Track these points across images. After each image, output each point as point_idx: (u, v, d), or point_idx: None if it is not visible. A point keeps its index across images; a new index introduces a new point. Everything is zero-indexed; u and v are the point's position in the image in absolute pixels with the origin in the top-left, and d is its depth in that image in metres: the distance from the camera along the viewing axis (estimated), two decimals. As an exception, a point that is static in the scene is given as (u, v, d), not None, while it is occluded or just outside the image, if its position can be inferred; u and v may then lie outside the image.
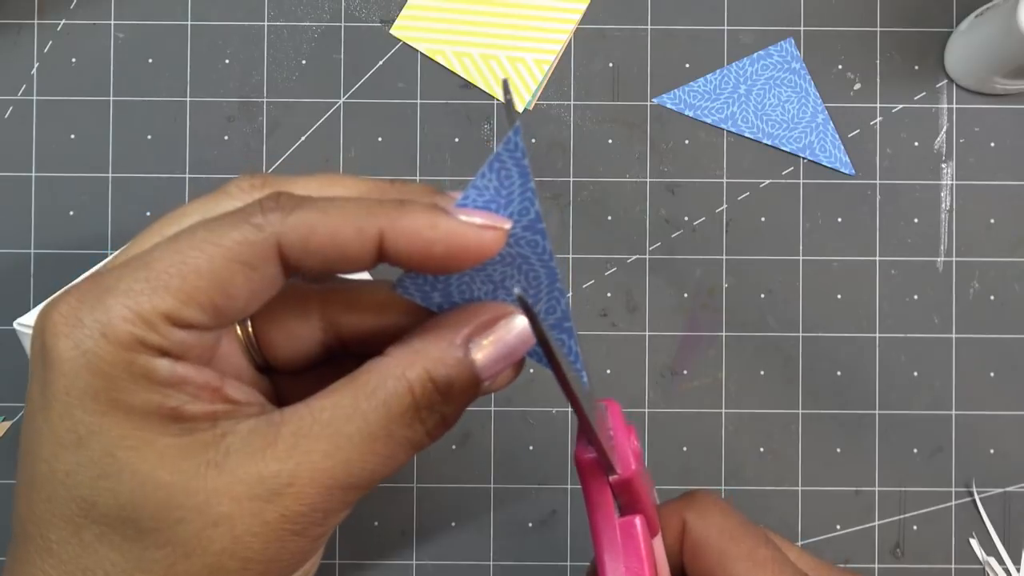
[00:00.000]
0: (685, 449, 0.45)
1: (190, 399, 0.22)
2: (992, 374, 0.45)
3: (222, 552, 0.22)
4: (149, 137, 0.46)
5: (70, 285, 0.23)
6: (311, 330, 0.26)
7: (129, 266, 0.22)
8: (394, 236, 0.22)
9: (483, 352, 0.24)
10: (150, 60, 0.46)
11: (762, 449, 0.45)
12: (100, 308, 0.21)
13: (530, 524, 0.45)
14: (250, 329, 0.26)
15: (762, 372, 0.46)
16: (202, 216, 0.24)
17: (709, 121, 0.46)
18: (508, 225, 0.23)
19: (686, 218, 0.46)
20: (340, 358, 0.26)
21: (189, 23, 0.46)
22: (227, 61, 0.46)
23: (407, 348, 0.24)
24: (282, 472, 0.22)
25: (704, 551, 0.29)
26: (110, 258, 0.39)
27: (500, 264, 0.24)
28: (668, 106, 0.46)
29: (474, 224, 0.22)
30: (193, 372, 0.22)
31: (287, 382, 0.27)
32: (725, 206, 0.46)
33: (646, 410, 0.46)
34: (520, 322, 0.24)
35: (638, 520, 0.27)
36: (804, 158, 0.46)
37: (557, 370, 0.22)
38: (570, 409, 0.44)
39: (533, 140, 0.46)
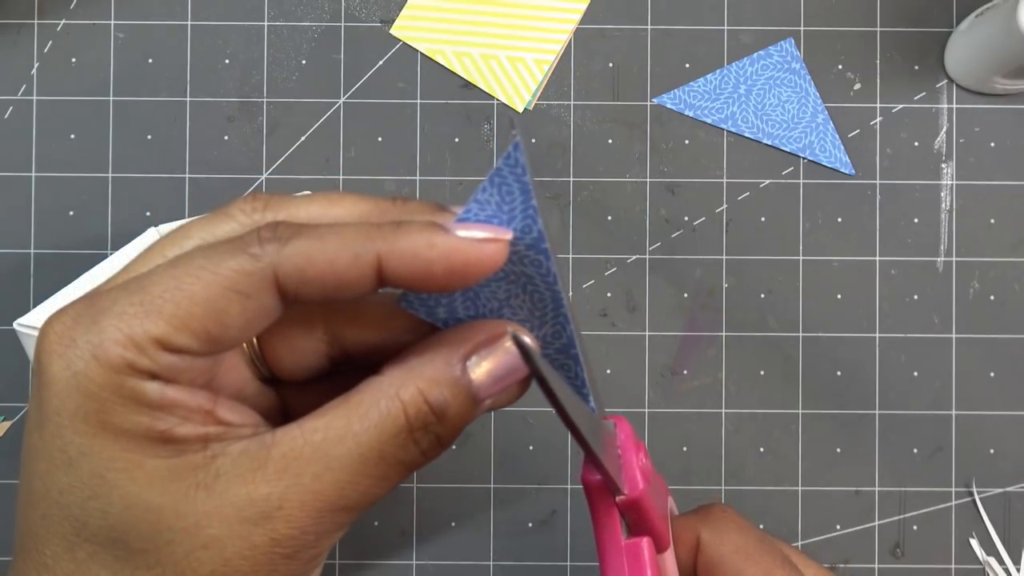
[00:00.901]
0: (685, 449, 0.45)
1: (180, 421, 0.22)
2: (992, 374, 0.45)
3: (212, 574, 0.22)
4: (149, 137, 0.46)
5: (72, 300, 0.23)
6: (315, 343, 0.26)
7: (126, 288, 0.22)
8: (392, 260, 0.22)
9: (481, 372, 0.23)
10: (150, 60, 0.46)
11: (762, 449, 0.45)
12: (94, 329, 0.21)
13: (530, 524, 0.45)
14: (255, 342, 0.26)
15: (762, 372, 0.46)
16: (203, 239, 0.23)
17: (709, 121, 0.46)
18: (509, 236, 0.22)
19: (686, 218, 0.46)
20: (347, 369, 0.26)
21: (189, 23, 0.46)
22: (227, 61, 0.46)
23: (403, 367, 0.23)
24: (272, 495, 0.22)
25: (719, 570, 0.29)
26: (112, 259, 0.39)
27: (505, 282, 0.23)
28: (668, 106, 0.46)
29: (474, 239, 0.22)
30: (184, 395, 0.22)
31: (293, 394, 0.27)
32: (725, 206, 0.46)
33: (646, 410, 0.46)
34: (522, 342, 0.24)
35: (644, 543, 0.27)
36: (804, 158, 0.46)
37: (556, 405, 0.22)
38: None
39: (533, 140, 0.46)
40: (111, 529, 0.22)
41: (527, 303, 0.24)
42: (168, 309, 0.21)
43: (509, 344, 0.23)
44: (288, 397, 0.27)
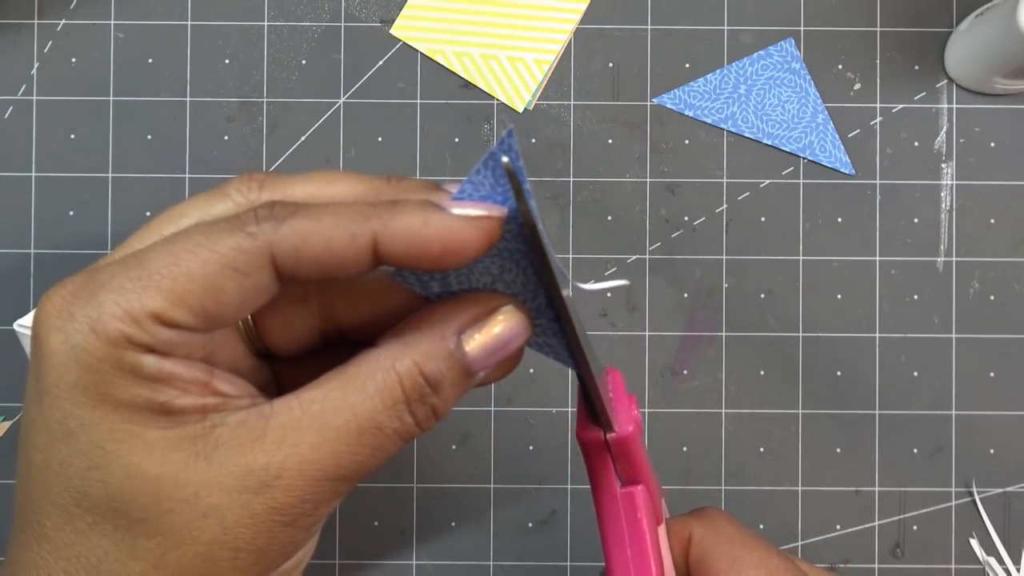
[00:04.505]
0: (685, 449, 0.45)
1: (179, 393, 0.22)
2: (992, 374, 0.45)
3: (212, 542, 0.22)
4: (149, 137, 0.46)
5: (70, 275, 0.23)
6: (309, 318, 0.26)
7: (124, 264, 0.22)
8: (387, 239, 0.22)
9: (475, 345, 0.24)
10: (150, 60, 0.46)
11: (762, 449, 0.45)
12: (92, 303, 0.22)
13: (530, 524, 0.45)
14: (249, 317, 0.26)
15: (762, 372, 0.46)
16: (200, 216, 0.24)
17: (709, 121, 0.46)
18: (503, 213, 0.23)
19: (686, 218, 0.46)
20: (340, 345, 0.26)
21: (189, 23, 0.46)
22: (227, 61, 0.46)
23: (398, 340, 0.24)
24: (271, 464, 0.22)
25: (715, 559, 0.29)
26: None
27: (498, 257, 0.24)
28: (668, 106, 0.46)
29: (468, 216, 0.22)
30: (181, 368, 0.22)
31: (287, 369, 0.27)
32: (725, 206, 0.46)
33: (646, 410, 0.46)
34: (514, 314, 0.24)
35: (638, 490, 0.27)
36: (804, 158, 0.46)
37: (549, 277, 0.23)
38: (570, 409, 0.44)
39: (533, 140, 0.46)
40: (111, 499, 0.22)
41: (520, 277, 0.24)
42: (166, 285, 0.22)
43: (503, 316, 0.24)
44: (281, 372, 0.27)
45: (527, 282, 0.24)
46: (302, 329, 0.26)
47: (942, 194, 0.46)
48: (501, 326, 0.24)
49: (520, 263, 0.24)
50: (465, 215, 0.22)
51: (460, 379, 0.24)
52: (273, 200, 0.23)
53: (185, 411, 0.22)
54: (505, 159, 0.21)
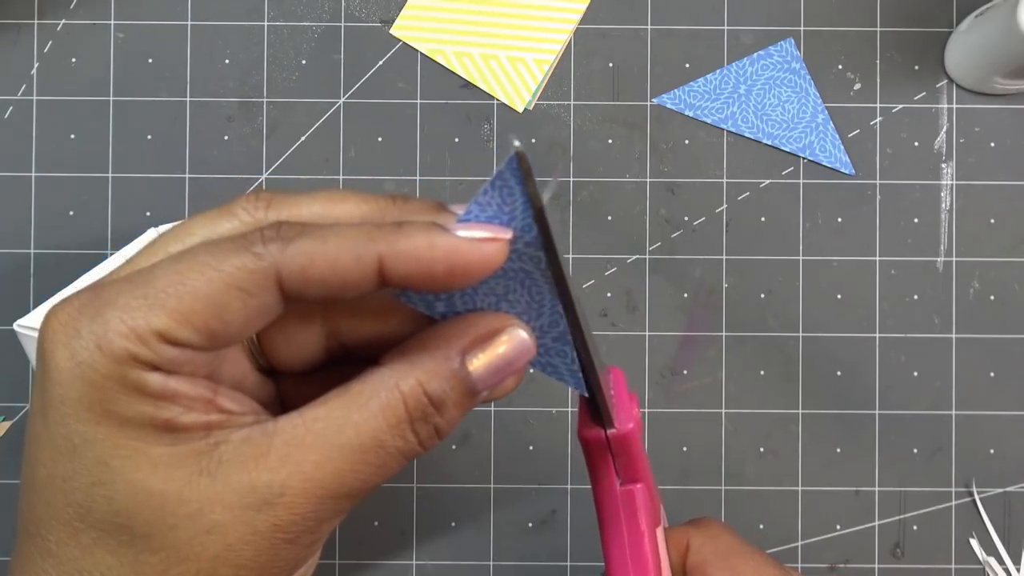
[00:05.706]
0: (685, 449, 0.45)
1: (183, 411, 0.22)
2: (992, 374, 0.45)
3: (215, 558, 0.22)
4: (149, 137, 0.46)
5: (76, 290, 0.23)
6: (314, 335, 0.26)
7: (130, 281, 0.22)
8: (393, 261, 0.22)
9: (478, 365, 0.24)
10: (150, 60, 0.46)
11: (762, 449, 0.45)
12: (98, 320, 0.22)
13: (530, 524, 0.45)
14: (253, 335, 0.26)
15: (762, 372, 0.46)
16: (206, 235, 0.24)
17: (709, 121, 0.46)
18: (509, 235, 0.23)
19: (686, 218, 0.46)
20: (344, 361, 0.26)
21: (189, 23, 0.46)
22: (227, 61, 0.46)
23: (402, 359, 0.24)
24: (273, 482, 0.22)
25: (713, 567, 0.29)
26: (113, 260, 0.39)
27: (503, 278, 0.24)
28: (668, 106, 0.46)
29: (474, 239, 0.22)
30: (186, 385, 0.22)
31: (291, 385, 0.27)
32: (725, 206, 0.46)
33: (646, 410, 0.46)
34: (518, 335, 0.24)
35: (637, 489, 0.28)
36: (804, 158, 0.46)
37: (557, 270, 0.23)
38: (570, 409, 0.44)
39: (533, 140, 0.46)
40: (115, 515, 0.22)
41: (525, 296, 0.24)
42: (171, 303, 0.22)
43: (507, 337, 0.24)
44: (286, 388, 0.27)
45: (531, 302, 0.24)
46: (306, 346, 0.26)
47: (942, 194, 0.46)
48: (505, 346, 0.24)
49: (525, 283, 0.24)
50: (471, 237, 0.22)
51: (463, 399, 0.24)
52: (279, 220, 0.23)
53: (189, 428, 0.22)
54: (517, 143, 0.21)
